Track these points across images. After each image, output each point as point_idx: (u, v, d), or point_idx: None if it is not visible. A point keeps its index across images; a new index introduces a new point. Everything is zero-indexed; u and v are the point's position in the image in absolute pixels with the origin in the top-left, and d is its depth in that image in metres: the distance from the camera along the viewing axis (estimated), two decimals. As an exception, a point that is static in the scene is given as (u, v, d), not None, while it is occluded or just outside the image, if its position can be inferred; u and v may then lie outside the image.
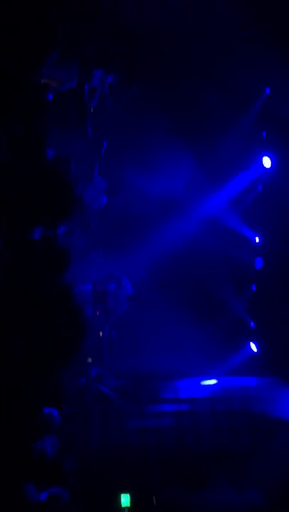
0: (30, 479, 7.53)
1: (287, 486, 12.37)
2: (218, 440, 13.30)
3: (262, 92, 14.68)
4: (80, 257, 12.32)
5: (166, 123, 14.05)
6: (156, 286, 14.27)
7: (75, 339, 6.63)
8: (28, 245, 6.85)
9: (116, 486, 11.63)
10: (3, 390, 6.44)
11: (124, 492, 11.35)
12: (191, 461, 12.72)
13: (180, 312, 14.10)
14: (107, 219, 14.07)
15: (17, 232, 6.77)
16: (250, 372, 14.65)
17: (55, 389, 8.19)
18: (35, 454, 7.79)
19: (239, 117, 14.71)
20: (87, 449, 12.31)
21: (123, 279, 13.12)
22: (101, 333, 13.50)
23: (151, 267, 14.31)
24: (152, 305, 14.07)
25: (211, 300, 14.85)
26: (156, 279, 14.35)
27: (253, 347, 15.19)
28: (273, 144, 14.97)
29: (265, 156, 15.06)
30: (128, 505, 11.27)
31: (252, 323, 15.39)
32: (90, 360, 13.09)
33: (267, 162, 15.10)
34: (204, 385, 14.35)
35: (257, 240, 15.32)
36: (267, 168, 15.15)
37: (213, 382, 14.44)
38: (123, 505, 11.10)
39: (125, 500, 11.07)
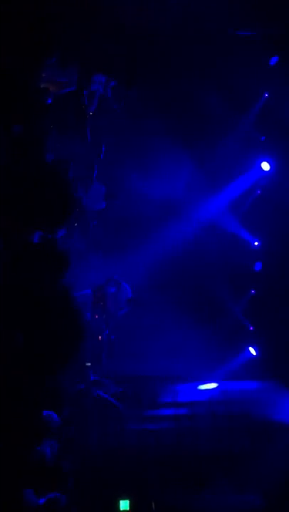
0: (29, 483, 7.52)
1: (286, 488, 12.35)
2: (217, 444, 13.28)
3: (261, 95, 14.70)
4: (80, 259, 12.31)
5: (165, 126, 14.07)
6: (155, 289, 14.27)
7: (74, 342, 6.61)
8: (28, 248, 6.85)
9: (115, 490, 11.62)
10: (2, 392, 6.43)
11: (123, 497, 11.34)
12: (190, 464, 12.69)
13: (179, 315, 14.10)
14: (107, 222, 14.08)
15: (16, 235, 6.77)
16: (250, 376, 14.65)
17: (54, 392, 8.18)
18: (34, 458, 7.78)
19: (238, 120, 14.72)
20: (86, 453, 12.29)
21: (122, 282, 13.12)
22: (100, 337, 13.49)
23: (150, 269, 14.31)
24: (152, 308, 14.06)
25: (211, 303, 14.85)
26: (156, 282, 14.35)
27: (252, 350, 15.18)
28: (272, 148, 14.99)
29: (264, 159, 15.07)
30: (127, 508, 11.26)
31: (251, 327, 15.38)
32: (88, 364, 13.07)
33: (266, 165, 15.11)
34: (203, 389, 14.34)
35: (256, 243, 15.32)
36: (266, 172, 15.16)
37: (212, 385, 14.44)
38: (122, 510, 11.09)
39: (124, 504, 11.06)
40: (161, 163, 14.43)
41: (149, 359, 13.78)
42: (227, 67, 13.76)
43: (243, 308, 15.41)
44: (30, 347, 6.44)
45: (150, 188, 14.15)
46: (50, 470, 8.18)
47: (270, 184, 15.14)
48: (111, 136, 13.74)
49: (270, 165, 15.07)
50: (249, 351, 15.16)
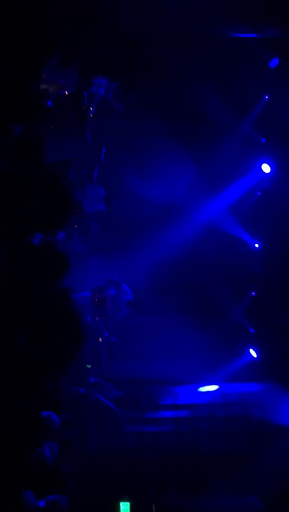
0: (29, 485, 7.51)
1: (286, 491, 12.35)
2: (217, 446, 13.27)
3: (261, 97, 14.70)
4: (80, 261, 12.30)
5: (165, 128, 14.07)
6: (155, 291, 14.25)
7: (74, 344, 6.61)
8: (28, 250, 6.85)
9: (115, 493, 11.61)
10: (2, 394, 6.42)
11: (124, 499, 11.33)
12: (190, 467, 12.69)
13: (180, 318, 14.08)
14: (107, 223, 14.06)
15: (16, 237, 6.76)
16: (250, 378, 14.62)
17: (54, 393, 8.17)
18: (34, 460, 7.77)
19: (238, 122, 14.72)
20: (85, 455, 12.28)
21: (122, 284, 13.11)
22: (100, 339, 13.48)
23: (150, 271, 14.29)
24: (152, 310, 14.04)
25: (211, 306, 14.82)
26: (156, 283, 14.33)
27: (253, 353, 15.16)
28: (272, 150, 14.99)
29: (265, 161, 15.07)
30: (127, 510, 11.26)
31: (252, 329, 15.36)
32: (89, 366, 13.06)
33: (266, 167, 15.11)
34: (204, 391, 14.32)
35: (256, 245, 15.31)
36: (266, 174, 15.16)
37: (212, 388, 14.42)
38: (122, 512, 11.10)
39: (124, 507, 11.06)
40: (162, 165, 14.42)
41: (149, 361, 13.76)
42: (227, 70, 13.78)
43: (243, 310, 15.39)
44: (30, 349, 6.44)
45: (150, 190, 14.13)
46: (50, 472, 8.17)
47: (271, 186, 15.14)
48: (111, 137, 13.74)
49: (270, 167, 15.07)
50: (249, 353, 15.14)
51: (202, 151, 14.44)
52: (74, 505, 8.37)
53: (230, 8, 12.31)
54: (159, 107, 13.93)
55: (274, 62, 14.09)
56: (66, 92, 11.66)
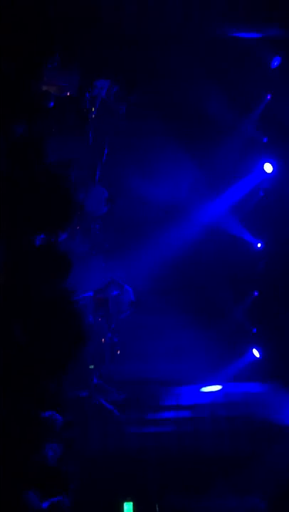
0: (32, 486, 7.50)
1: (288, 492, 12.34)
2: (219, 446, 13.26)
3: (263, 97, 14.69)
4: (82, 262, 12.30)
5: (166, 129, 14.06)
6: (158, 291, 14.25)
7: (76, 345, 6.60)
8: (30, 251, 6.84)
9: (118, 493, 11.61)
10: (4, 395, 6.42)
11: (127, 500, 11.33)
12: (192, 467, 12.68)
13: (181, 318, 14.08)
14: (109, 224, 14.07)
15: (18, 238, 6.76)
16: (253, 378, 14.61)
17: (57, 393, 8.17)
18: (36, 461, 7.76)
19: (240, 122, 14.71)
20: (88, 456, 12.28)
21: (124, 285, 13.11)
22: (103, 340, 13.48)
23: (153, 272, 14.29)
24: (154, 311, 14.04)
25: (213, 306, 14.81)
26: (158, 284, 14.33)
27: (256, 353, 15.15)
28: (275, 149, 14.97)
29: (267, 161, 15.06)
30: (131, 511, 11.25)
31: (254, 329, 15.35)
32: (91, 366, 13.07)
33: (268, 167, 15.09)
34: (206, 391, 14.31)
35: (259, 245, 15.30)
36: (268, 174, 15.15)
37: (215, 388, 14.41)
38: (125, 513, 11.09)
39: (128, 507, 11.05)
40: (164, 166, 14.42)
41: (150, 361, 13.76)
42: (228, 70, 13.77)
43: (245, 310, 15.38)
44: (32, 350, 6.44)
45: (151, 190, 14.13)
46: (52, 473, 8.16)
47: (273, 186, 15.13)
48: (113, 138, 13.74)
49: (272, 167, 15.06)
50: (252, 353, 15.12)
51: (203, 151, 14.43)
52: (77, 506, 8.36)
53: (231, 7, 12.30)
54: (160, 107, 13.93)
55: (275, 62, 14.08)
56: (68, 94, 11.66)
